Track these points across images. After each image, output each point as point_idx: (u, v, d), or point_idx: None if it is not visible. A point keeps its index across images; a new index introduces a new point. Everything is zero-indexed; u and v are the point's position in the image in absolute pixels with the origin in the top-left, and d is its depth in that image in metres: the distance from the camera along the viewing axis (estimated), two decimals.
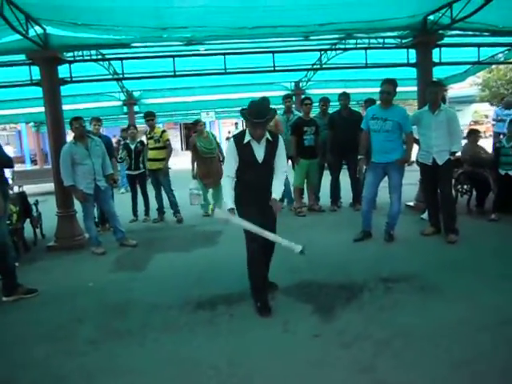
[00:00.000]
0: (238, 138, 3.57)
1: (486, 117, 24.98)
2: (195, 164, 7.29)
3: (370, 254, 4.90)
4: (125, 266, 5.04)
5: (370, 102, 7.42)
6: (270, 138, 3.56)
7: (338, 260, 4.73)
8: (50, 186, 11.74)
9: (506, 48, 8.79)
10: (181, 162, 18.99)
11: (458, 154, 5.72)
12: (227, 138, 17.07)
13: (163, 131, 7.32)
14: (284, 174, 3.71)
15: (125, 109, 13.36)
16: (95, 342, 3.20)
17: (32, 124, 19.37)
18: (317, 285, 4.06)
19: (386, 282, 3.99)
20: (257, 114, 3.36)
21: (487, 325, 3.11)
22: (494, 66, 14.86)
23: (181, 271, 4.69)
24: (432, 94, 5.18)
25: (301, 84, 12.33)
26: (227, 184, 3.59)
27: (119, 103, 13.09)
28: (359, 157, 5.51)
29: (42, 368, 2.88)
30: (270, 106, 3.52)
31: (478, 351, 2.79)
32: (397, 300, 3.63)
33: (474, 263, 4.39)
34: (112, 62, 8.01)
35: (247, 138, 3.51)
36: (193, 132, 7.66)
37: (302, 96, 12.21)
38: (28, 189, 10.71)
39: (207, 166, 7.15)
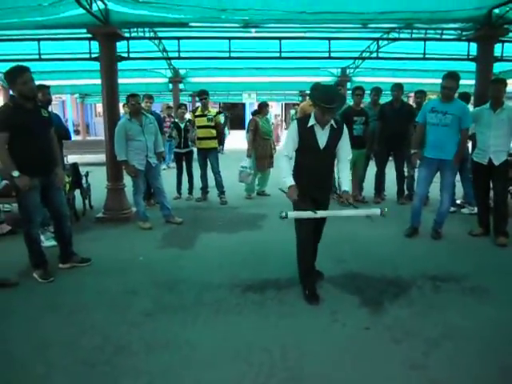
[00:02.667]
0: (302, 121, 3.53)
1: None
2: (252, 145, 7.39)
3: (417, 250, 4.87)
4: (172, 242, 5.18)
5: (420, 93, 7.28)
6: (334, 124, 3.49)
7: (384, 254, 4.73)
8: (94, 158, 12.20)
9: None
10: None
11: None
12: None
13: (218, 112, 7.40)
14: (348, 162, 3.69)
15: (170, 86, 13.50)
16: (151, 314, 3.34)
17: (77, 95, 19.83)
18: (363, 277, 4.08)
19: (434, 280, 3.97)
20: (327, 99, 3.28)
21: None
22: None
23: (227, 252, 4.79)
24: (496, 91, 5.00)
25: (348, 71, 12.13)
26: (285, 162, 3.50)
27: (165, 80, 13.23)
28: (412, 151, 5.40)
29: (103, 335, 3.03)
30: (340, 93, 3.47)
31: None
32: (446, 299, 3.62)
33: None
34: (164, 40, 8.07)
35: (311, 121, 3.45)
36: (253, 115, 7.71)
37: (348, 83, 12.17)
38: (72, 159, 11.05)
39: (263, 147, 7.27)
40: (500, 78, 5.61)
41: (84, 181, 6.76)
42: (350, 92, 8.95)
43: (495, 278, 4.03)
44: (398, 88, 6.90)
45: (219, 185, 7.27)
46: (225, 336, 3.03)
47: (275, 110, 24.14)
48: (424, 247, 4.96)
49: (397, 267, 4.30)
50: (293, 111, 21.39)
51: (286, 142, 3.60)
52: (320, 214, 3.40)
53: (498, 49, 6.71)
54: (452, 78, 4.88)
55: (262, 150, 7.31)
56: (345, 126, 3.61)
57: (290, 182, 3.43)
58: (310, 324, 3.20)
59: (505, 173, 5.17)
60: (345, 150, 3.61)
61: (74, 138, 20.89)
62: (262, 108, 7.53)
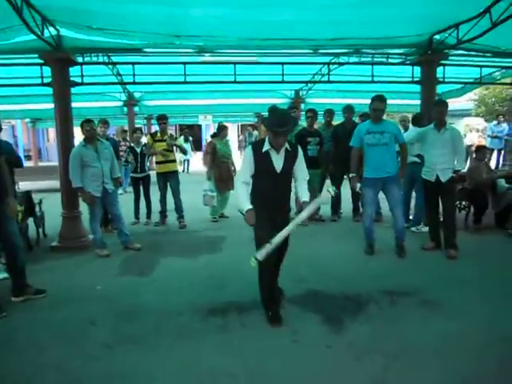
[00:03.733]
0: (257, 146, 3.57)
1: (477, 131, 25.38)
2: (211, 167, 7.42)
3: (374, 266, 5.00)
4: (131, 269, 5.07)
5: (365, 116, 7.58)
6: (289, 148, 3.55)
7: (343, 271, 4.83)
8: (48, 184, 11.81)
9: (501, 67, 8.99)
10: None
11: (463, 170, 5.85)
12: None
13: (175, 137, 7.38)
14: (306, 182, 3.73)
15: (125, 109, 13.38)
16: (110, 346, 3.25)
17: (28, 120, 19.22)
18: (323, 295, 4.15)
19: (390, 294, 4.10)
20: (279, 123, 3.34)
21: (489, 342, 3.20)
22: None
23: (188, 277, 4.74)
24: (438, 112, 5.30)
25: (301, 93, 12.45)
26: (242, 188, 3.54)
27: (119, 103, 13.12)
28: (351, 175, 5.53)
29: (59, 372, 2.91)
30: (291, 116, 3.54)
31: (481, 367, 2.88)
32: (402, 313, 3.74)
33: (474, 279, 4.50)
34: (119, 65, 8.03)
35: (266, 146, 3.49)
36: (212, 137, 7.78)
37: (302, 105, 12.47)
38: (24, 186, 10.65)
39: (223, 170, 7.30)
40: (441, 100, 5.95)
41: (37, 209, 6.54)
42: (304, 113, 9.18)
43: (446, 290, 4.20)
44: (348, 110, 7.15)
45: (178, 209, 7.21)
46: (187, 363, 2.98)
47: (231, 131, 24.29)
48: (380, 263, 5.11)
49: (355, 284, 4.41)
50: (246, 132, 21.62)
51: (241, 167, 3.61)
52: (278, 238, 3.35)
53: (440, 71, 7.09)
54: (381, 100, 5.17)
55: (221, 172, 7.33)
56: (299, 148, 3.67)
57: (247, 206, 3.45)
58: (273, 346, 3.21)
59: (451, 189, 5.46)
60: (301, 171, 3.68)
61: (25, 163, 20.15)
62: (221, 130, 7.58)
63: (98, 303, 4.06)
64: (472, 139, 14.59)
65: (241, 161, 3.71)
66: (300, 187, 3.73)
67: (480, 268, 4.84)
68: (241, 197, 3.52)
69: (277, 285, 3.88)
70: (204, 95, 12.35)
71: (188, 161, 18.02)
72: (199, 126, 26.43)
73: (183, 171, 18.14)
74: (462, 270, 4.81)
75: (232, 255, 5.40)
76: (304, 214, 3.49)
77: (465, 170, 6.13)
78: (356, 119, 9.42)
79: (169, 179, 7.16)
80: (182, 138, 19.61)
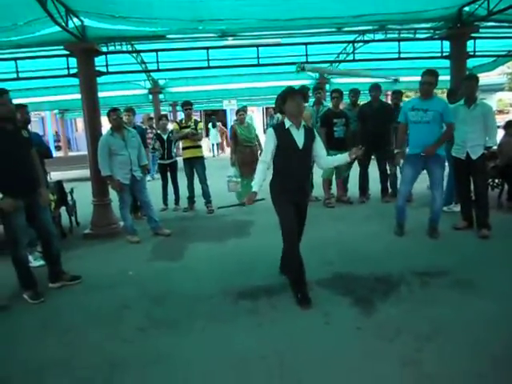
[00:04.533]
0: (278, 125, 3.72)
1: (511, 105, 24.52)
2: (234, 152, 7.40)
3: (403, 247, 4.94)
4: (161, 255, 5.17)
5: (396, 94, 7.41)
6: (306, 126, 3.70)
7: (371, 252, 4.78)
8: (78, 173, 12.11)
9: None
10: (204, 150, 19.20)
11: (494, 147, 5.67)
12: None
13: (199, 121, 7.40)
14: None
15: (150, 97, 13.49)
16: (144, 329, 3.33)
17: (57, 111, 19.64)
18: (352, 277, 4.13)
19: (421, 276, 4.04)
20: (289, 90, 3.58)
21: None
22: None
23: (217, 261, 4.80)
24: (468, 87, 5.13)
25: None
26: (261, 168, 3.68)
27: (145, 91, 13.24)
28: (396, 151, 5.47)
29: (98, 353, 3.02)
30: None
31: None
32: (434, 295, 3.68)
33: (508, 259, 4.39)
34: (143, 53, 8.08)
35: (287, 124, 3.62)
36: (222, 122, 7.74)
37: (327, 85, 12.30)
38: (55, 176, 10.95)
39: (246, 154, 7.28)
40: (472, 75, 5.74)
41: (69, 198, 6.71)
42: (329, 94, 9.05)
43: (480, 270, 4.12)
44: (375, 88, 7.00)
45: (206, 194, 7.27)
46: (220, 347, 3.03)
47: (256, 114, 24.15)
48: (410, 244, 5.04)
49: (385, 265, 4.36)
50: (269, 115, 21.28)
51: (264, 147, 3.73)
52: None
53: (470, 45, 6.85)
54: (431, 73, 4.94)
55: (244, 157, 7.29)
56: (315, 130, 3.81)
57: (256, 188, 3.64)
58: (304, 328, 3.23)
59: (483, 166, 5.30)
60: (322, 148, 3.81)
61: (55, 154, 20.69)
62: (236, 115, 7.54)
63: (131, 288, 4.16)
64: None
65: (264, 142, 3.77)
66: (327, 158, 3.88)
67: None
68: (257, 176, 3.69)
69: (303, 267, 3.88)
70: (228, 80, 12.34)
71: (218, 145, 18.27)
72: (224, 111, 26.41)
73: (213, 156, 18.33)
74: (496, 249, 4.70)
75: (260, 239, 5.43)
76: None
77: (496, 147, 5.93)
78: (383, 98, 9.24)
79: (195, 165, 7.20)
80: (210, 124, 19.79)
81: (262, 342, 3.05)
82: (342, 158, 3.82)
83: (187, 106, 7.20)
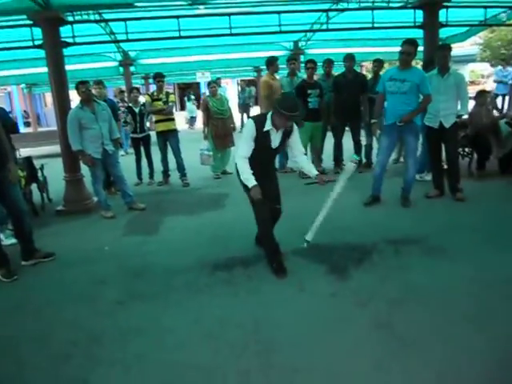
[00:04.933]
0: (259, 124, 3.54)
1: (483, 77, 24.87)
2: (207, 125, 7.37)
3: (377, 217, 5.04)
4: (137, 229, 5.14)
5: (377, 62, 7.41)
6: (289, 127, 3.63)
7: (347, 222, 4.85)
8: (49, 149, 11.79)
9: (507, 8, 8.66)
10: (177, 123, 18.94)
11: (465, 116, 5.77)
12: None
13: (170, 93, 7.27)
14: (304, 155, 3.84)
15: (121, 69, 13.11)
16: (122, 302, 3.34)
17: (24, 86, 18.93)
18: (328, 246, 4.20)
19: (394, 244, 4.14)
20: (291, 107, 3.37)
21: (492, 283, 3.27)
22: (495, 27, 14.67)
23: (193, 234, 4.81)
24: (441, 57, 5.17)
25: (300, 44, 12.12)
26: (244, 163, 3.54)
27: (115, 64, 12.83)
28: (373, 121, 5.52)
29: (75, 328, 3.02)
30: (299, 101, 3.62)
31: (485, 307, 2.96)
32: (406, 261, 3.79)
33: (478, 225, 4.54)
34: (110, 22, 7.80)
35: (268, 126, 3.53)
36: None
37: (302, 56, 12.18)
38: (25, 152, 10.63)
39: (219, 127, 7.24)
40: (445, 44, 5.79)
41: (40, 174, 6.55)
42: (303, 65, 8.98)
43: (451, 236, 4.25)
44: (349, 58, 6.96)
45: (180, 167, 7.21)
46: (197, 317, 3.07)
47: (231, 87, 23.83)
48: (384, 213, 5.14)
49: (359, 234, 4.45)
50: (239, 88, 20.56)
51: (243, 142, 3.58)
52: (320, 217, 3.77)
53: (443, 14, 6.86)
54: (411, 43, 4.93)
55: (218, 130, 7.27)
56: (295, 126, 3.72)
57: (253, 182, 3.46)
58: (279, 296, 3.29)
59: (455, 135, 5.42)
60: (297, 144, 3.76)
61: (24, 130, 20.06)
62: (208, 87, 7.47)
63: (107, 263, 4.14)
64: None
65: (242, 134, 3.65)
66: (302, 163, 3.79)
67: (484, 214, 4.87)
68: (245, 173, 3.52)
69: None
70: (200, 51, 12.07)
71: (194, 118, 18.09)
72: (198, 84, 25.97)
73: (190, 128, 18.16)
74: (467, 216, 4.84)
75: (235, 212, 5.44)
76: (336, 191, 3.75)
77: (466, 116, 6.04)
78: (358, 68, 9.21)
79: (168, 138, 7.12)
80: (186, 98, 19.51)
81: (238, 311, 3.11)
82: (311, 172, 3.73)
83: (159, 77, 7.06)
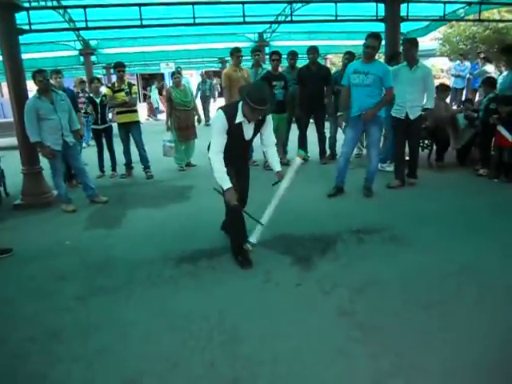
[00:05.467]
0: (230, 116, 3.35)
1: (442, 71, 25.53)
2: (171, 116, 7.29)
3: (342, 207, 5.12)
4: (99, 223, 5.02)
5: (348, 54, 7.49)
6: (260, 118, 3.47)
7: (311, 214, 4.92)
8: (5, 141, 11.30)
9: (465, 3, 8.94)
10: (139, 115, 18.60)
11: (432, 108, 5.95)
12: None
13: (132, 84, 7.12)
14: (275, 146, 3.72)
15: (81, 59, 12.73)
16: (83, 297, 3.26)
17: None
18: (292, 237, 4.24)
19: (358, 233, 4.23)
20: (259, 100, 3.19)
21: (451, 272, 3.40)
22: (454, 22, 15.10)
23: (157, 227, 4.75)
24: (406, 51, 5.40)
25: (265, 35, 12.13)
26: (218, 162, 3.32)
27: (75, 53, 12.46)
28: (339, 113, 5.61)
29: (34, 325, 2.93)
30: (272, 92, 3.45)
31: (443, 294, 3.07)
32: (368, 250, 3.89)
33: (438, 215, 4.68)
34: (69, 9, 7.54)
35: (239, 118, 3.36)
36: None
37: (266, 48, 12.18)
38: None
39: (182, 118, 7.17)
40: (410, 38, 5.96)
41: None
42: (268, 57, 8.98)
43: (411, 226, 4.38)
44: (313, 51, 7.00)
45: (144, 159, 7.10)
46: (161, 309, 3.05)
47: (195, 78, 23.52)
48: (346, 204, 5.24)
49: (323, 225, 4.52)
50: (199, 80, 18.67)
51: (215, 137, 3.37)
52: (266, 216, 3.59)
53: (404, 8, 7.00)
54: (375, 37, 5.00)
55: (181, 121, 7.21)
56: (269, 116, 3.55)
57: (228, 184, 3.30)
58: (244, 287, 3.31)
59: (419, 127, 5.63)
60: (269, 135, 3.65)
61: None
62: (171, 78, 7.40)
63: (68, 258, 4.04)
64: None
65: (213, 127, 3.44)
66: (271, 156, 3.70)
67: (443, 204, 5.03)
68: (219, 171, 3.32)
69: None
70: (164, 41, 11.91)
71: (157, 109, 17.81)
72: (162, 75, 25.57)
73: (149, 119, 17.85)
74: (426, 206, 4.98)
75: (200, 204, 5.41)
76: (283, 185, 3.58)
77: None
78: (321, 61, 9.29)
79: (130, 130, 6.99)
80: (150, 88, 19.20)
81: (203, 303, 3.10)
82: (275, 168, 3.67)
83: (119, 67, 6.91)
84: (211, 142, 3.41)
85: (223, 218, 4.07)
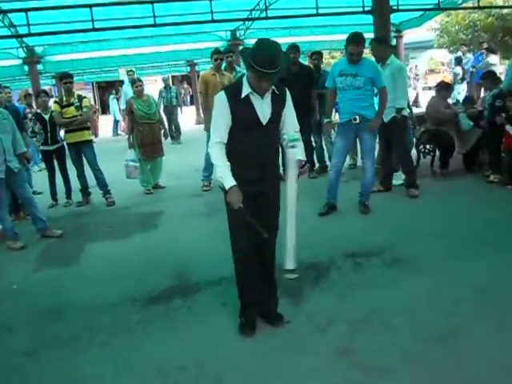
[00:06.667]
0: (232, 90, 2.99)
1: (443, 64, 26.13)
2: (133, 131, 7.31)
3: (335, 227, 5.14)
4: (52, 261, 4.96)
5: (316, 54, 7.64)
6: (276, 90, 2.98)
7: (300, 236, 4.82)
8: None
9: None
10: (102, 130, 18.57)
11: (422, 110, 6.10)
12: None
13: (83, 97, 7.10)
14: (298, 135, 3.08)
15: (25, 68, 12.69)
16: (33, 353, 3.19)
17: None
18: (279, 265, 4.22)
19: (354, 257, 4.25)
20: (268, 62, 2.73)
21: (464, 297, 3.41)
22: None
23: (120, 263, 4.71)
24: (372, 50, 5.85)
25: (238, 33, 12.29)
26: (218, 154, 2.95)
27: (18, 62, 12.42)
28: (326, 120, 5.68)
29: None
30: (283, 52, 2.94)
31: (457, 324, 3.08)
32: (367, 276, 3.90)
33: (444, 230, 4.74)
34: (9, 13, 7.55)
35: (246, 89, 2.90)
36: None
37: (240, 47, 12.32)
38: None
39: (146, 133, 7.17)
40: (375, 38, 6.38)
41: None
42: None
43: (415, 244, 4.42)
44: (293, 49, 7.09)
45: (101, 183, 7.07)
46: (128, 362, 3.00)
47: (159, 85, 23.64)
48: (340, 223, 5.28)
49: (314, 249, 4.50)
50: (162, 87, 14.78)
51: (213, 123, 3.03)
52: (289, 232, 3.18)
53: None
54: (358, 43, 5.06)
55: (144, 137, 7.22)
56: (287, 90, 3.10)
57: (230, 182, 2.89)
58: (226, 328, 3.28)
59: (397, 129, 5.78)
60: (291, 121, 3.11)
61: None
62: (132, 87, 7.43)
63: (15, 305, 3.98)
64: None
65: (212, 114, 3.06)
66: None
67: (450, 218, 5.10)
68: (219, 167, 2.95)
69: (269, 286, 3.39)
70: (122, 44, 11.98)
71: (117, 122, 17.65)
72: (121, 82, 25.62)
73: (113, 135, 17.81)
74: (432, 221, 5.04)
75: (171, 232, 5.40)
76: (291, 203, 3.11)
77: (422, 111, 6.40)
78: (305, 60, 9.43)
79: (82, 150, 6.99)
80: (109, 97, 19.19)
81: (179, 351, 3.06)
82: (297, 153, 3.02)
83: (65, 78, 6.90)
84: (210, 132, 3.08)
85: (201, 247, 4.03)
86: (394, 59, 5.72)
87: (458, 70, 13.35)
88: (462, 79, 12.82)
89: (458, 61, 13.17)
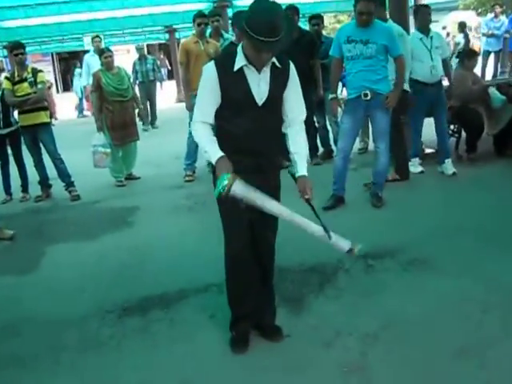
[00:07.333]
0: (223, 62, 2.93)
1: (470, 29, 26.14)
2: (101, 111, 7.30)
3: (342, 223, 5.09)
4: (5, 268, 4.98)
5: (316, 19, 7.63)
6: (277, 63, 2.89)
7: (301, 235, 4.89)
8: None
9: None
10: (60, 110, 18.47)
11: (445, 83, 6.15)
12: None
13: (38, 70, 7.08)
14: (303, 125, 3.13)
15: None
16: None
17: None
18: (278, 269, 4.24)
19: (365, 258, 4.24)
20: (268, 28, 2.63)
21: (493, 303, 3.45)
22: None
23: (89, 268, 4.73)
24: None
25: None
26: (202, 130, 2.94)
27: None
28: (330, 96, 5.67)
29: None
30: (285, 16, 2.85)
31: (484, 335, 3.11)
32: (380, 281, 3.95)
33: (469, 224, 4.80)
34: None
35: (240, 61, 2.82)
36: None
37: (229, 9, 12.29)
38: None
39: (117, 113, 7.15)
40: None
41: None
42: (231, 22, 9.08)
43: (437, 243, 4.46)
44: (292, 12, 7.07)
45: (63, 174, 7.09)
46: (101, 382, 3.03)
47: (133, 56, 23.53)
48: (349, 219, 5.29)
49: (318, 250, 4.46)
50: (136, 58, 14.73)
51: (198, 100, 3.01)
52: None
53: None
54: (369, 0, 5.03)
55: (115, 118, 7.22)
56: (292, 66, 3.02)
57: (217, 153, 2.85)
58: (214, 341, 3.31)
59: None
60: (296, 104, 3.05)
61: None
62: (101, 57, 7.43)
63: None
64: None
65: (198, 89, 3.03)
66: (295, 138, 3.07)
67: (477, 211, 5.14)
68: (203, 142, 2.94)
69: (267, 294, 3.41)
70: (87, 6, 11.89)
71: (81, 101, 17.65)
72: (87, 52, 25.52)
73: (78, 116, 17.79)
74: (454, 215, 5.09)
75: (148, 231, 5.43)
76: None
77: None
78: (305, 25, 9.44)
79: (38, 134, 7.01)
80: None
81: (160, 370, 3.08)
82: (300, 168, 3.16)
83: (17, 49, 6.92)
84: (195, 111, 3.04)
85: (184, 248, 4.04)
86: (392, 24, 5.73)
87: (460, 38, 13.35)
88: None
89: (462, 27, 13.17)
